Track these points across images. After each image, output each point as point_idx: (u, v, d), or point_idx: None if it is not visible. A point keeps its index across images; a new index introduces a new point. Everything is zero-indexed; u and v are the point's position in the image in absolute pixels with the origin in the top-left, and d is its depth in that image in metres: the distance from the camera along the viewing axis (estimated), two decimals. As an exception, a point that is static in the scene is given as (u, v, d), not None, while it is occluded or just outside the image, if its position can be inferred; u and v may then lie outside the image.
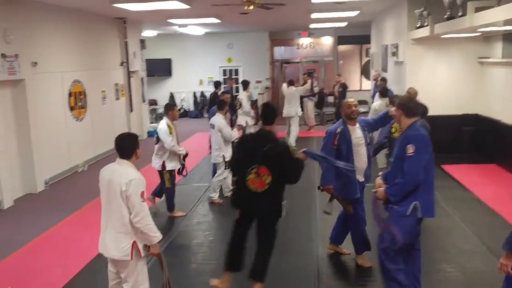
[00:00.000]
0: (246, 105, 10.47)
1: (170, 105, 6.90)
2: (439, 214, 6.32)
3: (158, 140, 6.45)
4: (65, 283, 4.78)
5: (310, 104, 13.86)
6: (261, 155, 4.00)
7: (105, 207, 3.56)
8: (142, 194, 3.43)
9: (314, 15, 11.98)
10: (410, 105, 3.90)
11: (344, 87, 13.69)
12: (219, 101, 7.57)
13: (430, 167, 3.80)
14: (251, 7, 8.32)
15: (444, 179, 8.01)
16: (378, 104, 7.81)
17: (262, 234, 4.23)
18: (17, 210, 7.29)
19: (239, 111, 10.26)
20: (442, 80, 9.35)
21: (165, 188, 6.57)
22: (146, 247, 3.57)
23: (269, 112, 4.28)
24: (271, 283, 4.54)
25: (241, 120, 10.13)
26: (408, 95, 6.67)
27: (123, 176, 3.43)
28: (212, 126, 7.09)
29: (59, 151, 9.04)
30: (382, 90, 8.32)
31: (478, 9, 5.78)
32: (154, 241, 3.54)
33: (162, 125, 6.40)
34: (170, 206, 6.64)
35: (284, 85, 12.26)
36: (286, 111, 11.73)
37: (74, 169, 9.51)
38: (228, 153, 6.92)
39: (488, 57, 9.04)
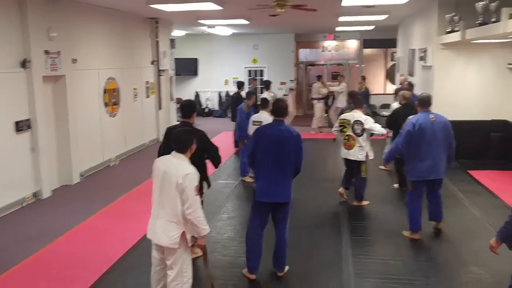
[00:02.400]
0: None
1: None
2: (469, 218, 6.47)
3: None
4: (107, 268, 5.02)
5: (319, 106, 14.02)
6: None
7: (158, 196, 3.75)
8: (196, 188, 3.63)
9: (341, 18, 12.09)
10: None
11: (366, 91, 13.78)
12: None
13: None
14: (283, 10, 8.49)
15: (471, 184, 8.07)
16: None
17: None
18: (55, 201, 7.58)
19: None
20: (471, 85, 9.38)
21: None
22: (194, 239, 3.77)
23: (277, 108, 4.62)
24: (302, 277, 4.72)
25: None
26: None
27: (179, 169, 3.62)
28: (260, 123, 6.82)
29: (94, 145, 9.37)
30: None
31: (511, 16, 5.85)
32: (203, 233, 3.74)
33: None
34: None
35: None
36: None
37: (107, 163, 9.82)
38: None
39: (518, 64, 9.05)
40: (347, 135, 6.80)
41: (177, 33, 15.56)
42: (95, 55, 9.44)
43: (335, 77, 18.63)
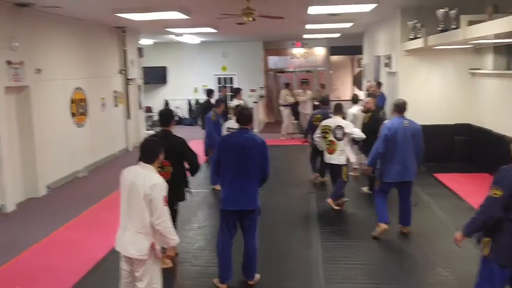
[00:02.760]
0: None
1: None
2: (435, 221, 6.63)
3: None
4: (75, 282, 4.91)
5: (286, 113, 14.21)
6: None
7: (125, 208, 3.71)
8: (164, 198, 3.60)
9: (308, 26, 12.25)
10: None
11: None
12: (236, 106, 8.16)
13: None
14: (250, 18, 8.55)
15: (437, 187, 8.27)
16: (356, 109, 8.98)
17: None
18: (20, 214, 7.39)
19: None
20: (435, 91, 9.64)
21: None
22: (163, 249, 3.74)
23: (242, 116, 4.64)
24: (274, 285, 4.75)
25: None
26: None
27: (146, 179, 3.59)
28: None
29: (61, 156, 9.17)
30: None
31: (470, 23, 6.06)
32: (172, 244, 3.72)
33: None
34: None
35: None
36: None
37: (75, 174, 9.63)
38: None
39: (479, 69, 9.35)
40: (329, 141, 7.06)
41: (145, 41, 15.46)
42: (61, 65, 9.28)
43: (305, 83, 18.92)
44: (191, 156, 5.09)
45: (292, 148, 12.61)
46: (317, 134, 7.28)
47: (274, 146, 12.09)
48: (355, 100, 9.74)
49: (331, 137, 7.03)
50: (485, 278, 3.51)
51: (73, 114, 9.66)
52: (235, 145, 4.51)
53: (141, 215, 3.60)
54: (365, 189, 8.03)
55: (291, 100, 14.33)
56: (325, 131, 7.11)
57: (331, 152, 7.07)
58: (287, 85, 14.90)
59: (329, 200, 7.19)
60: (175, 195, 4.92)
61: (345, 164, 7.05)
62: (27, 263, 5.50)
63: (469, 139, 9.52)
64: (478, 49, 9.29)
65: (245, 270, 4.76)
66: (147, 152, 3.75)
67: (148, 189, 3.55)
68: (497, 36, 5.93)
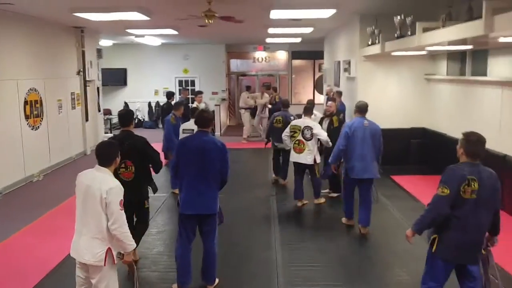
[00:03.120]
0: None
1: None
2: (392, 222, 6.79)
3: None
4: (28, 291, 4.74)
5: (245, 116, 14.34)
6: (124, 151, 4.60)
7: (81, 212, 3.61)
8: (121, 202, 3.53)
9: (270, 30, 12.34)
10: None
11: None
12: (193, 108, 8.15)
13: None
14: (211, 21, 8.51)
15: (394, 189, 8.48)
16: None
17: (137, 213, 5.22)
18: (-31, 221, 7.05)
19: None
20: (392, 95, 9.89)
21: None
22: (120, 255, 3.65)
23: (201, 119, 4.61)
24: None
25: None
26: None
27: (103, 183, 3.51)
28: (192, 131, 6.67)
29: (14, 160, 8.82)
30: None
31: (425, 30, 6.25)
32: (129, 249, 3.64)
33: None
34: None
35: None
36: None
37: (29, 178, 9.29)
38: None
39: (434, 74, 9.66)
40: (297, 140, 7.30)
41: (104, 42, 15.14)
42: (14, 65, 8.93)
43: (268, 87, 19.02)
44: (154, 155, 5.13)
45: (253, 151, 12.62)
46: (286, 134, 7.52)
47: (235, 149, 12.10)
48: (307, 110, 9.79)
49: (299, 137, 7.27)
50: (429, 273, 3.70)
51: (27, 116, 9.31)
52: (194, 148, 4.47)
53: (97, 220, 3.52)
54: (325, 192, 8.11)
55: (251, 103, 14.37)
56: (294, 130, 7.37)
57: (300, 151, 7.27)
58: (248, 88, 14.95)
59: (315, 200, 7.60)
60: (141, 194, 5.14)
61: (315, 163, 7.31)
62: (-24, 271, 5.25)
63: (424, 142, 9.81)
64: (433, 56, 9.59)
65: (204, 275, 4.71)
66: (103, 155, 3.67)
67: (104, 193, 3.47)
68: (450, 43, 6.14)
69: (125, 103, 18.09)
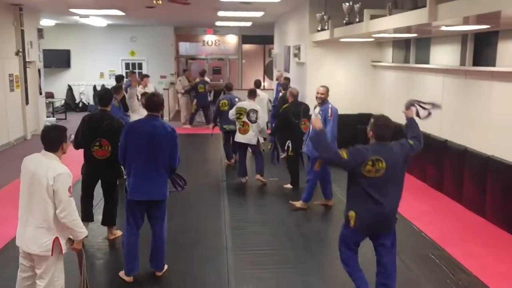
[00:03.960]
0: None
1: None
2: (340, 205, 6.91)
3: None
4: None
5: (182, 100, 14.44)
6: (101, 130, 5.14)
7: (26, 200, 3.44)
8: (69, 189, 3.39)
9: (220, 13, 12.18)
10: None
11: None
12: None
13: None
14: (160, 2, 8.29)
15: (343, 173, 8.62)
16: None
17: (108, 191, 5.48)
18: None
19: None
20: (340, 81, 10.01)
21: None
22: (70, 241, 3.51)
23: (151, 103, 4.48)
24: (183, 275, 4.67)
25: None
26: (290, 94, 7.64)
27: (50, 169, 3.35)
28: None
29: None
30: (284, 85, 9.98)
31: (373, 17, 6.35)
32: (80, 236, 3.51)
33: None
34: None
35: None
36: None
37: (-37, 165, 8.77)
38: None
39: (380, 61, 9.87)
40: (242, 122, 7.66)
41: (46, 22, 14.42)
42: None
43: (217, 71, 18.86)
44: None
45: (202, 137, 12.49)
46: (232, 116, 7.85)
47: (183, 135, 11.92)
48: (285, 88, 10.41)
49: (244, 119, 7.62)
50: (342, 240, 3.92)
51: (-40, 99, 8.76)
52: (144, 132, 4.33)
53: (42, 208, 3.36)
54: (288, 186, 7.79)
55: (178, 87, 14.52)
56: (240, 112, 7.69)
57: (244, 132, 7.64)
58: (184, 71, 15.13)
59: (258, 176, 7.84)
60: (116, 172, 5.39)
61: (257, 143, 7.73)
62: None
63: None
64: (380, 43, 9.80)
65: (153, 261, 4.62)
66: (50, 140, 3.49)
67: (51, 179, 3.31)
68: (396, 30, 6.27)
69: (69, 86, 17.39)
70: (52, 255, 3.42)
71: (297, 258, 5.14)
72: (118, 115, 7.76)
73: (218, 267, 4.88)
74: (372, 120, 3.78)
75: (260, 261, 5.04)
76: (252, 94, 7.94)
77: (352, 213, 3.72)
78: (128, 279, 4.50)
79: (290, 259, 5.10)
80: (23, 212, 3.46)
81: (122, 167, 5.08)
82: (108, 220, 5.57)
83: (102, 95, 5.50)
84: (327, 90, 6.75)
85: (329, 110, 6.38)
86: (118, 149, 4.57)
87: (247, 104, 7.76)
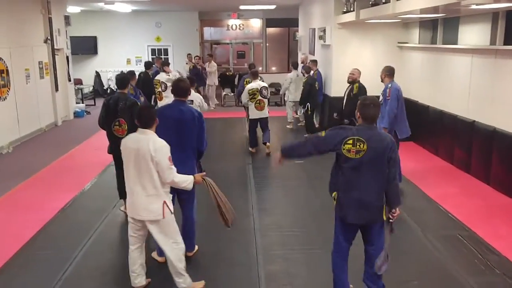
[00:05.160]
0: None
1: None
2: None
3: None
4: (3, 263, 4.69)
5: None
6: (119, 111, 5.56)
7: (132, 174, 3.83)
8: (169, 158, 3.80)
9: (244, -4, 12.16)
10: None
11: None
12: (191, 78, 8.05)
13: None
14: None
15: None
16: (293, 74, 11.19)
17: None
18: None
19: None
20: (366, 63, 9.87)
21: None
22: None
23: (178, 88, 4.58)
24: (213, 255, 4.79)
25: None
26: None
27: (150, 143, 3.74)
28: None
29: (-19, 132, 8.59)
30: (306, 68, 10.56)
31: (399, -3, 6.25)
32: (189, 187, 4.00)
33: None
34: None
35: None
36: (294, 96, 11.31)
37: (-1, 151, 9.09)
38: None
39: (406, 42, 9.71)
40: (258, 100, 8.66)
41: (72, 9, 14.63)
42: (-23, 33, 8.60)
43: (241, 56, 18.86)
44: None
45: (229, 121, 12.58)
46: (245, 97, 8.73)
47: (210, 118, 12.04)
48: (294, 65, 11.59)
49: (259, 97, 8.63)
50: (334, 235, 3.90)
51: (-6, 87, 9.03)
52: (171, 117, 4.42)
53: (150, 177, 3.77)
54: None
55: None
56: (253, 93, 8.61)
57: (261, 109, 8.73)
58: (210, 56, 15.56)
59: (268, 144, 8.89)
60: None
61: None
62: None
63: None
64: (406, 24, 9.63)
65: (184, 242, 4.74)
66: (145, 118, 3.85)
67: (153, 151, 3.72)
68: (422, 11, 6.16)
69: (97, 72, 17.66)
70: (164, 217, 3.83)
71: (324, 238, 5.17)
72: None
73: (247, 248, 4.99)
74: (359, 101, 3.64)
75: (287, 242, 5.12)
76: (255, 75, 8.96)
77: (334, 193, 3.73)
78: (161, 259, 4.63)
79: (318, 240, 5.16)
80: (133, 184, 3.85)
81: None
82: (124, 194, 5.78)
83: (119, 79, 5.93)
84: (358, 71, 7.84)
85: (387, 90, 6.55)
86: (133, 126, 4.72)
87: (255, 84, 8.73)
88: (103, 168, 8.00)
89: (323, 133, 3.70)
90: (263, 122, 8.91)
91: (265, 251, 4.91)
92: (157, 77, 10.14)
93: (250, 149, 9.16)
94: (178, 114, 4.43)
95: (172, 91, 4.62)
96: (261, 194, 6.74)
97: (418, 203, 6.17)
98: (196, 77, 12.93)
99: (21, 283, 4.40)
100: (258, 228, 5.50)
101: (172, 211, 3.94)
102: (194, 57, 15.68)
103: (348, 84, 7.96)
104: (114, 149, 5.57)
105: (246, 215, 5.90)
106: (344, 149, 3.51)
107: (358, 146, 3.49)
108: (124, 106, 5.56)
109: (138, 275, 4.09)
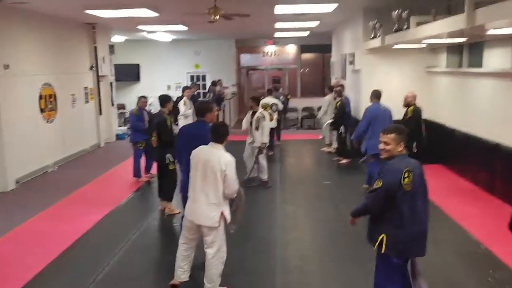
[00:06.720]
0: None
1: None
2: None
3: None
4: (43, 267, 5.14)
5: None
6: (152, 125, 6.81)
7: (199, 182, 4.19)
8: (235, 173, 4.19)
9: (277, 25, 12.64)
10: None
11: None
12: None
13: None
14: (217, 17, 8.83)
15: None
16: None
17: (160, 170, 6.87)
18: (-11, 207, 7.51)
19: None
20: (394, 87, 10.04)
21: None
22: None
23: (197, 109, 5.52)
24: (234, 266, 5.07)
25: None
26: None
27: (221, 157, 4.14)
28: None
29: (30, 151, 9.28)
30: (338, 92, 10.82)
31: (418, 23, 6.50)
32: (234, 196, 4.29)
33: None
34: None
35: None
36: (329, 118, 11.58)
37: (45, 169, 9.75)
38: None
39: (434, 66, 9.86)
40: (268, 113, 9.63)
41: (117, 38, 15.57)
42: (29, 61, 9.38)
43: (277, 81, 19.35)
44: (160, 131, 6.70)
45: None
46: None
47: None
48: (331, 89, 12.00)
49: (269, 110, 10.08)
50: (386, 278, 3.62)
51: (42, 110, 9.77)
52: (189, 134, 5.11)
53: (215, 188, 4.13)
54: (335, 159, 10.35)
55: None
56: (265, 106, 10.04)
57: (272, 119, 9.95)
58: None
59: (277, 142, 11.36)
60: (162, 157, 6.65)
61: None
62: (-4, 251, 5.67)
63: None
64: (434, 49, 9.79)
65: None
66: (218, 134, 4.29)
67: (224, 165, 4.08)
68: (441, 35, 6.36)
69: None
70: (219, 226, 4.19)
71: (341, 253, 5.40)
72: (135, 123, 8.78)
73: (267, 259, 5.28)
74: (400, 131, 3.55)
75: (305, 255, 5.39)
76: (269, 93, 11.20)
77: (382, 236, 3.50)
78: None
79: (334, 254, 5.39)
80: (197, 191, 4.20)
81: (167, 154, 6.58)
82: (163, 194, 6.90)
83: (160, 98, 7.08)
84: (411, 95, 8.13)
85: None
86: (161, 139, 6.51)
87: (268, 100, 10.66)
88: (139, 185, 8.52)
89: (379, 184, 3.45)
90: (271, 131, 10.19)
91: (283, 262, 5.17)
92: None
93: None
94: (196, 131, 5.06)
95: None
96: (285, 210, 7.01)
97: (437, 223, 6.26)
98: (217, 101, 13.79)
99: (58, 283, 4.85)
100: (279, 241, 5.77)
101: (228, 221, 4.28)
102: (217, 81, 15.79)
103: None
104: (156, 157, 6.82)
105: (269, 229, 6.19)
106: (404, 185, 3.40)
107: (410, 177, 3.40)
108: (158, 121, 6.68)
109: (185, 271, 4.49)
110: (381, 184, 3.44)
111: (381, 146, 3.57)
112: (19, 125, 8.83)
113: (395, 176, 3.41)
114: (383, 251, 3.52)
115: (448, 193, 7.54)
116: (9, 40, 8.62)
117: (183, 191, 5.09)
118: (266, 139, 8.18)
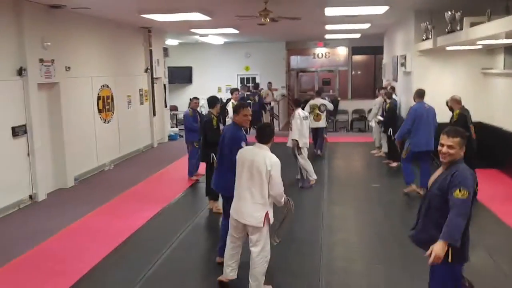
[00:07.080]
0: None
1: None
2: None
3: None
4: (98, 261, 5.42)
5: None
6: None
7: (245, 182, 4.26)
8: (280, 173, 4.20)
9: (328, 27, 12.60)
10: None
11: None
12: None
13: None
14: (267, 20, 8.94)
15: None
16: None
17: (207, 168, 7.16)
18: (50, 203, 7.95)
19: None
20: (447, 90, 9.74)
21: None
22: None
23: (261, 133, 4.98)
24: (279, 267, 5.13)
25: None
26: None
27: (267, 158, 4.17)
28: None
29: (88, 150, 9.78)
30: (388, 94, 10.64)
31: (472, 24, 6.31)
32: (282, 203, 4.31)
33: None
34: None
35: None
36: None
37: (101, 167, 10.23)
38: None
39: (491, 68, 9.51)
40: (316, 113, 10.99)
41: (170, 42, 16.05)
42: (89, 63, 9.88)
43: (327, 83, 19.23)
44: (206, 131, 6.98)
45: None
46: (307, 111, 9.91)
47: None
48: (381, 89, 12.34)
49: (317, 111, 10.93)
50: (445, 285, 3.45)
51: (100, 110, 10.26)
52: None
53: (261, 188, 4.17)
54: (385, 162, 10.37)
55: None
56: (313, 108, 10.95)
57: (318, 120, 11.00)
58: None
59: (318, 152, 11.16)
60: (208, 155, 6.87)
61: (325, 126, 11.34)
62: (56, 246, 6.00)
63: (479, 136, 9.63)
64: (490, 50, 9.44)
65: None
66: (264, 135, 4.34)
67: (269, 166, 4.12)
68: (508, 35, 6.11)
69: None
70: (263, 226, 4.23)
71: (387, 255, 5.36)
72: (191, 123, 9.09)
73: (312, 260, 5.31)
74: (461, 135, 3.36)
75: (351, 257, 5.38)
76: (318, 94, 11.48)
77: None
78: (219, 259, 5.07)
79: (380, 256, 5.36)
80: (242, 191, 4.27)
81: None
82: (210, 193, 7.08)
83: (209, 100, 7.33)
84: (453, 98, 7.77)
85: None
86: (207, 139, 6.77)
87: (315, 101, 11.11)
88: (190, 184, 8.77)
89: (465, 194, 3.20)
90: (320, 130, 11.11)
91: (328, 263, 5.19)
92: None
93: (314, 150, 11.11)
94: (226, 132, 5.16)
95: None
96: (332, 212, 7.01)
97: (493, 230, 6.08)
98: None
99: (111, 277, 5.09)
100: (324, 242, 5.79)
101: (272, 222, 4.32)
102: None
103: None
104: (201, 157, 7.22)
105: (315, 230, 6.22)
106: (476, 189, 3.46)
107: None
108: (204, 122, 7.11)
109: (233, 269, 4.59)
110: (467, 194, 3.21)
111: (445, 149, 3.33)
112: (78, 125, 9.32)
113: (473, 181, 3.30)
114: (450, 259, 3.23)
115: (504, 200, 7.28)
116: (70, 43, 9.12)
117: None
118: (297, 137, 8.28)
